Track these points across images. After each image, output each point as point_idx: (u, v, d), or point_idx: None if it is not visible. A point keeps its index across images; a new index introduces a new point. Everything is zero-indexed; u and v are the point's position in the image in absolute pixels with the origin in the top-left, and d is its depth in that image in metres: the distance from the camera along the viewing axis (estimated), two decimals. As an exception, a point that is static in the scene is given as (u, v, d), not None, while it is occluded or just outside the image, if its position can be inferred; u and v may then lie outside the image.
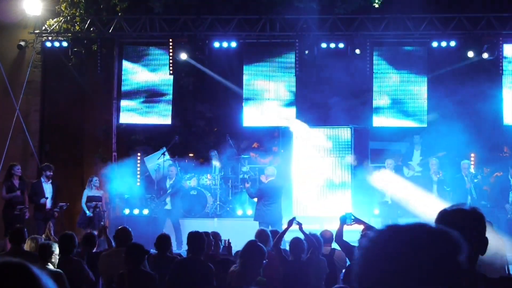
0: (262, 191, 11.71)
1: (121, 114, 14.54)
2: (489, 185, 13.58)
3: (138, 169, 14.17)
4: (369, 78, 14.21)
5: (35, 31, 14.27)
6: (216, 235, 7.98)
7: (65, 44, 14.11)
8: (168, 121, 14.63)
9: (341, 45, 13.94)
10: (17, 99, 13.88)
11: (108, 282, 6.69)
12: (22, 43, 14.23)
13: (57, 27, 14.32)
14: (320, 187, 13.09)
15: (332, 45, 13.95)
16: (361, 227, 6.93)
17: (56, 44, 14.14)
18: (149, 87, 14.62)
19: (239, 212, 13.55)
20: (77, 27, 14.44)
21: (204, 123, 16.61)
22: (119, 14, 14.32)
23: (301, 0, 13.74)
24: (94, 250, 7.50)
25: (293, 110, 14.33)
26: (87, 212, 12.03)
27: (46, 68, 14.74)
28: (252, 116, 14.46)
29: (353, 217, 6.87)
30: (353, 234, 7.21)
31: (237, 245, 7.16)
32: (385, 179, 12.49)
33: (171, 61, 14.19)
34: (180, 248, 11.62)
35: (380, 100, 14.35)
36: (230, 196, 14.16)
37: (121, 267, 6.08)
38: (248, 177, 13.83)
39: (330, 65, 14.36)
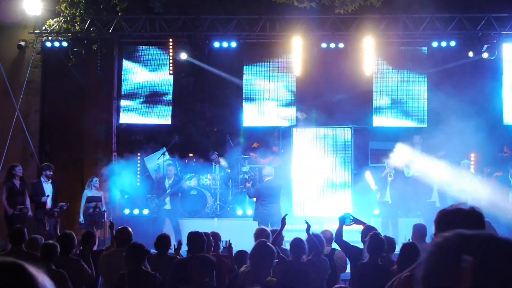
0: (259, 191, 11.71)
1: (121, 114, 14.54)
2: (489, 185, 13.56)
3: (138, 169, 14.18)
4: (369, 78, 14.21)
5: (35, 31, 14.27)
6: (216, 235, 7.95)
7: (65, 44, 14.12)
8: (168, 121, 14.64)
9: (341, 45, 13.96)
10: (17, 99, 13.87)
11: (108, 282, 6.68)
12: (22, 43, 14.23)
13: (57, 27, 14.32)
14: (320, 187, 13.08)
15: (332, 45, 13.97)
16: (361, 227, 6.93)
17: (56, 44, 14.16)
18: (149, 87, 14.62)
19: (239, 212, 13.55)
20: (77, 27, 14.44)
21: (204, 123, 16.61)
22: (119, 14, 14.32)
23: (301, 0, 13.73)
24: (94, 249, 7.49)
25: (293, 110, 14.35)
26: (81, 217, 12.04)
27: (46, 68, 14.73)
28: (252, 116, 14.47)
29: (351, 218, 6.88)
30: (353, 234, 7.22)
31: (237, 246, 7.15)
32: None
33: (171, 61, 14.20)
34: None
35: (380, 100, 14.35)
36: (230, 196, 14.16)
37: (122, 267, 6.07)
38: (248, 177, 13.83)
39: (330, 65, 14.35)
